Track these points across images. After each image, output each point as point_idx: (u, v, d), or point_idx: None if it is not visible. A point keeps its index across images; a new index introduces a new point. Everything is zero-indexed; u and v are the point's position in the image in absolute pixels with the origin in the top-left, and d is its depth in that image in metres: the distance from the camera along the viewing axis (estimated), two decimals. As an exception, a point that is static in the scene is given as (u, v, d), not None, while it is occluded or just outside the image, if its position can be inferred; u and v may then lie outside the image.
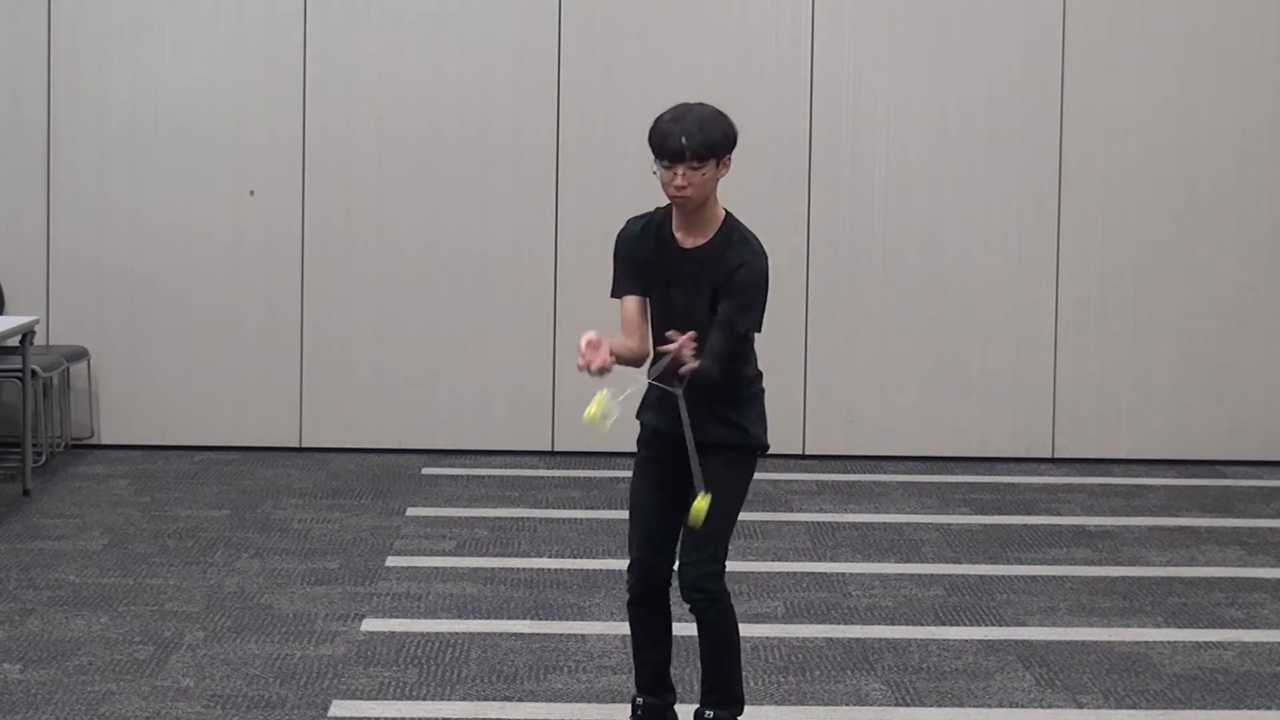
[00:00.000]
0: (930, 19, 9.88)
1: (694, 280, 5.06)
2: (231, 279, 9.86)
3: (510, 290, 9.87)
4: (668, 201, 5.11)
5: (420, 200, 9.85)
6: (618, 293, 5.26)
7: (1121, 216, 9.95)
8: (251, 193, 9.82)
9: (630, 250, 5.19)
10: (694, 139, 4.94)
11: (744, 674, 6.11)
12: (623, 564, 7.47)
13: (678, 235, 5.09)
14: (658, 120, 5.02)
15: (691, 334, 4.91)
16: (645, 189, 9.83)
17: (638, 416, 5.25)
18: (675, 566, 5.23)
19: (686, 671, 6.06)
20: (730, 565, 7.57)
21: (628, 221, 5.23)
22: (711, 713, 5.22)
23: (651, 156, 5.02)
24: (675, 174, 4.97)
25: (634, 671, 5.35)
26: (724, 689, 5.23)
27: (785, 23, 9.85)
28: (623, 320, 5.22)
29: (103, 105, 9.79)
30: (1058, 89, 9.88)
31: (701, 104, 5.04)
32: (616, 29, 9.84)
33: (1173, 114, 9.93)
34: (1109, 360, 10.00)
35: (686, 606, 5.17)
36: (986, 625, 6.77)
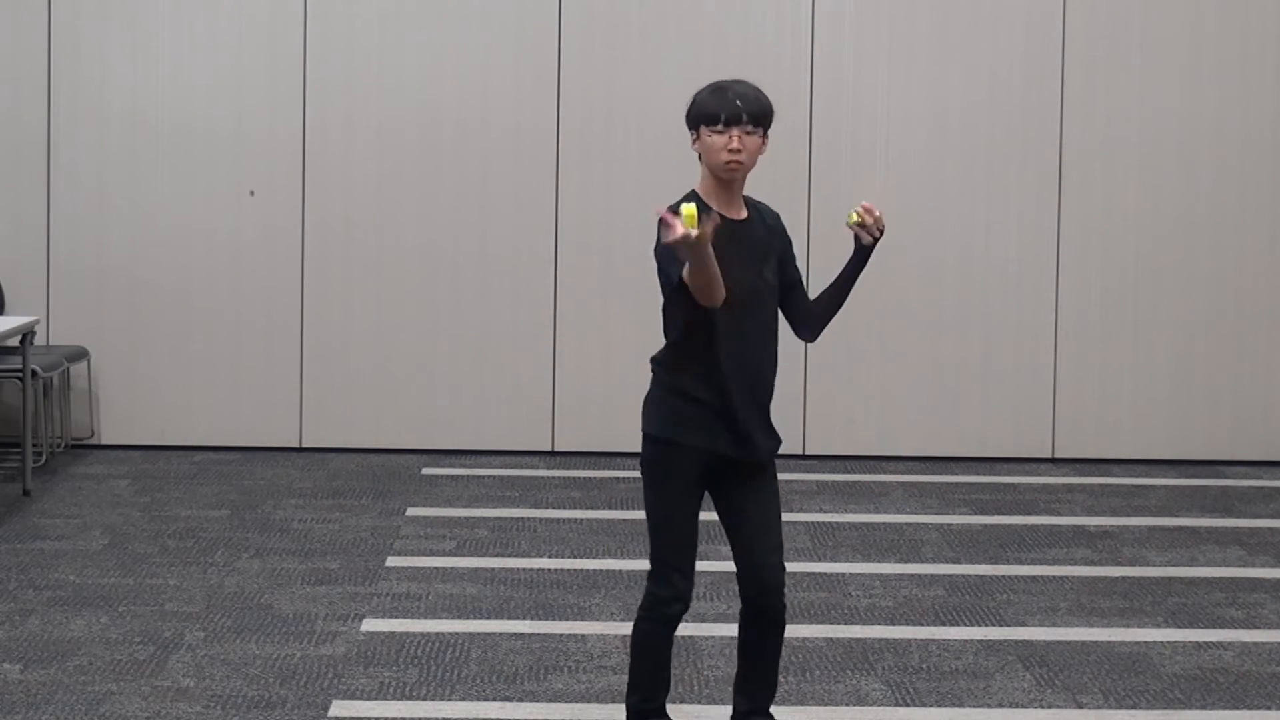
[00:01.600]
0: (930, 18, 9.88)
1: (756, 249, 4.92)
2: (231, 279, 9.86)
3: (510, 290, 9.87)
4: (686, 194, 4.93)
5: (420, 200, 9.85)
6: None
7: (1121, 216, 9.95)
8: (251, 193, 9.83)
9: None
10: (749, 102, 4.85)
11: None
12: (622, 564, 7.51)
13: (722, 211, 4.89)
14: (701, 92, 4.89)
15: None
16: (645, 188, 9.87)
17: (680, 438, 4.90)
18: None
19: (687, 672, 6.06)
20: (730, 565, 7.59)
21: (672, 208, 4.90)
22: None
23: (691, 134, 4.89)
24: (731, 137, 4.83)
25: (647, 690, 5.08)
26: (774, 688, 5.14)
27: (785, 23, 9.86)
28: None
29: (103, 105, 9.79)
30: (1058, 89, 9.88)
31: (737, 79, 4.96)
32: (616, 29, 9.84)
33: (1173, 114, 9.93)
34: (1109, 360, 10.00)
35: (758, 611, 5.04)
36: (986, 625, 6.77)
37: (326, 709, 5.71)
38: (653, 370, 5.05)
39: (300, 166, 9.84)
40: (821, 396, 9.92)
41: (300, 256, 9.87)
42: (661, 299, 4.95)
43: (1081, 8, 9.87)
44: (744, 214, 4.95)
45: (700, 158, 4.93)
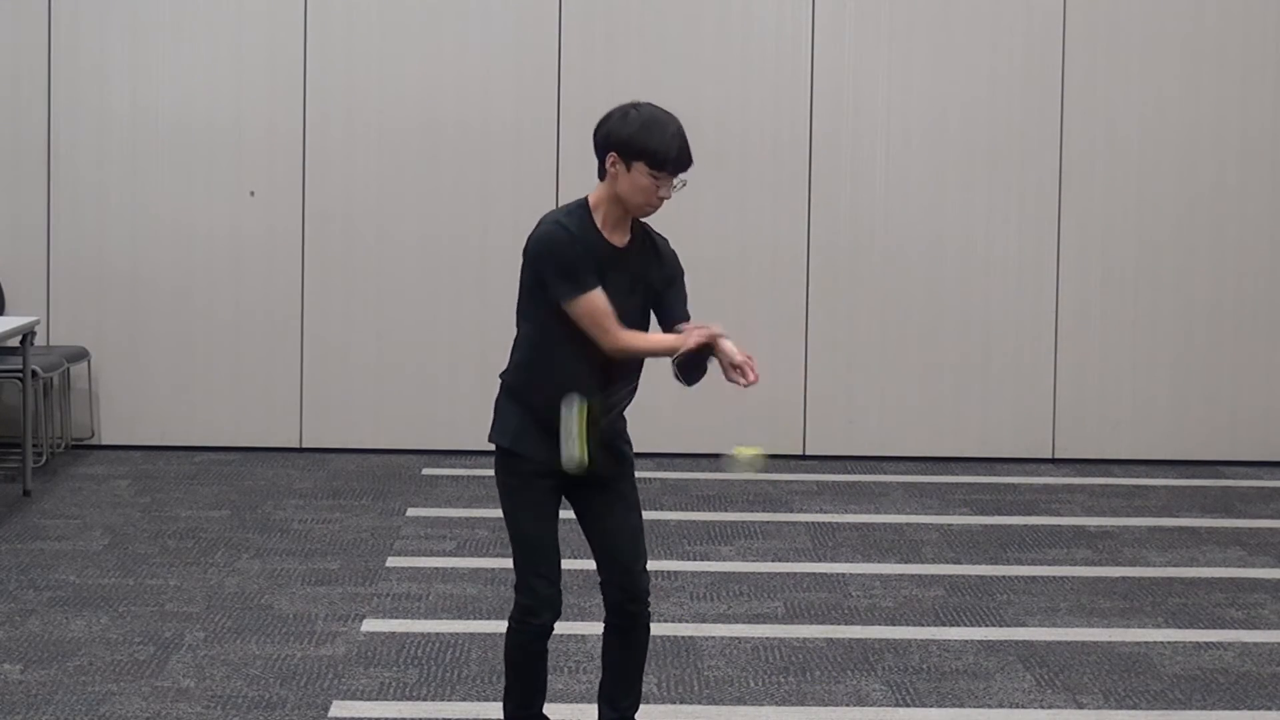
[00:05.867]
0: (930, 19, 9.88)
1: (629, 277, 4.88)
2: (231, 279, 9.86)
3: (510, 290, 9.79)
4: (581, 200, 4.92)
5: (420, 200, 9.85)
6: (586, 287, 4.79)
7: (1121, 216, 9.96)
8: (252, 193, 9.83)
9: (581, 248, 4.81)
10: (689, 156, 4.83)
11: (745, 675, 6.13)
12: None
13: (604, 233, 4.87)
14: (638, 125, 4.79)
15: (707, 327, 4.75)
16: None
17: (521, 450, 4.92)
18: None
19: (687, 672, 6.06)
20: (730, 565, 7.61)
21: (555, 225, 4.87)
22: None
23: (609, 155, 4.81)
24: (669, 186, 4.81)
25: (522, 698, 5.02)
26: (639, 697, 5.09)
27: (785, 23, 9.86)
28: (601, 314, 4.78)
29: (103, 105, 9.79)
30: (1058, 88, 9.88)
31: (654, 105, 4.87)
32: (616, 29, 9.84)
33: (1173, 114, 9.93)
34: (1109, 360, 10.00)
35: (624, 618, 4.98)
36: (986, 625, 6.77)
37: (327, 709, 5.71)
38: (501, 383, 4.98)
39: (300, 166, 9.84)
40: (821, 396, 9.92)
41: (300, 256, 9.87)
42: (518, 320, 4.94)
43: (1082, 7, 9.87)
44: (626, 239, 4.89)
45: (611, 178, 4.82)
